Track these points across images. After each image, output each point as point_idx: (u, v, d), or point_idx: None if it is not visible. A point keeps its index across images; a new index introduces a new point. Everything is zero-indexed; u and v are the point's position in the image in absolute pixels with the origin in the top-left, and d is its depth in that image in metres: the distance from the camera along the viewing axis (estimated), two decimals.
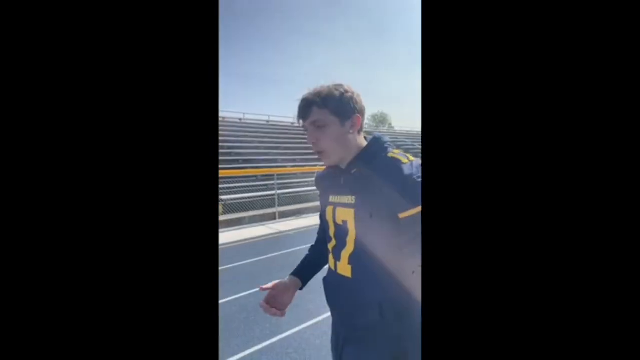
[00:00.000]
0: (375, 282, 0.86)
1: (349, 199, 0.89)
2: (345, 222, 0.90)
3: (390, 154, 0.88)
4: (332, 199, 0.96)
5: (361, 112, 0.90)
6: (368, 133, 0.96)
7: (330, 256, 0.98)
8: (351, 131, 0.89)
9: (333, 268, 0.97)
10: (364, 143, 0.93)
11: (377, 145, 0.92)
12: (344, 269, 0.92)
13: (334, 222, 0.94)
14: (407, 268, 0.82)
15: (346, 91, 0.88)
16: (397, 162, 0.84)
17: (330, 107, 0.87)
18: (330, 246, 0.98)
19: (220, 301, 3.19)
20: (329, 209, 0.96)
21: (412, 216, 0.79)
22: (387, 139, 0.94)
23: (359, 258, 0.88)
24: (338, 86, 0.89)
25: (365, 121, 0.94)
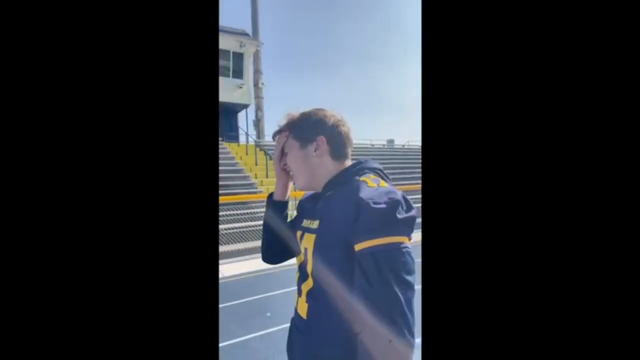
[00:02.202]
0: (330, 329, 0.72)
1: (315, 224, 0.79)
2: (306, 249, 0.79)
3: (362, 178, 0.77)
4: (304, 223, 0.85)
5: (330, 134, 0.82)
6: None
7: (296, 291, 0.85)
8: (314, 154, 0.82)
9: (295, 305, 0.84)
10: (344, 167, 0.85)
11: (353, 169, 0.82)
12: (302, 307, 0.80)
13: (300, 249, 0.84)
14: (363, 315, 0.64)
15: (314, 114, 0.84)
16: (360, 185, 0.73)
17: (291, 131, 0.86)
18: (297, 278, 0.86)
19: None
20: (298, 234, 0.86)
21: (366, 250, 0.65)
22: (372, 164, 0.84)
23: (315, 296, 0.76)
24: (310, 111, 0.86)
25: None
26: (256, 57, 13.69)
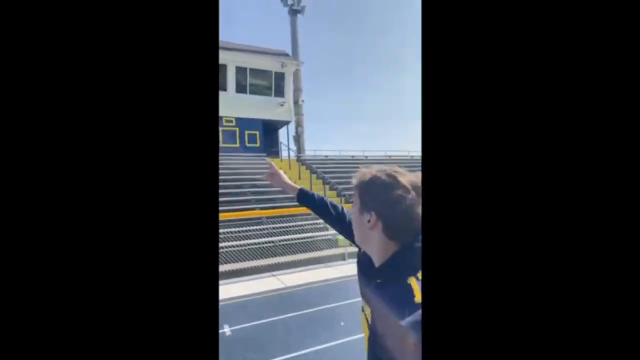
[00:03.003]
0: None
1: (367, 310, 0.81)
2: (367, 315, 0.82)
3: (410, 279, 0.67)
4: (362, 282, 0.87)
5: (386, 210, 0.71)
6: None
7: None
8: (367, 225, 0.73)
9: None
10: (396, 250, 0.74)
11: (404, 262, 0.71)
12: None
13: None
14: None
15: (379, 182, 0.72)
16: (406, 301, 0.64)
17: (357, 189, 0.77)
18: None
19: None
20: (360, 287, 0.89)
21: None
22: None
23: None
24: (381, 175, 0.73)
25: None
26: (296, 75, 14.23)
